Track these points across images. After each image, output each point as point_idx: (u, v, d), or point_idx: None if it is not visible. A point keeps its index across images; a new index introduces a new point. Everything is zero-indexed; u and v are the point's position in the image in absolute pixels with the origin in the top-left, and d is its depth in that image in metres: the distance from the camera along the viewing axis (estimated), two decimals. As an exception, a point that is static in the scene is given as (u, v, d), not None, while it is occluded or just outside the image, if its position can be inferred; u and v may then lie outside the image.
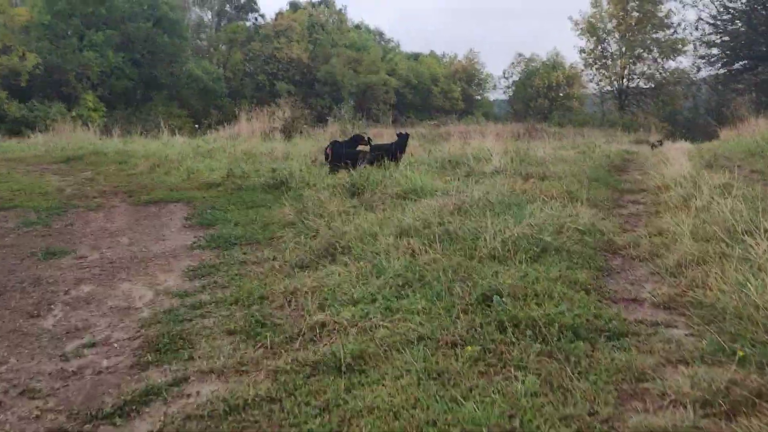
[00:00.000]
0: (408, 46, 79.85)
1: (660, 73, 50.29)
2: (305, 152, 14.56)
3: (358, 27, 64.69)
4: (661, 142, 23.37)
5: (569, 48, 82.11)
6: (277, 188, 9.87)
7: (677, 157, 13.06)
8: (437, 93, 61.50)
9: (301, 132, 21.86)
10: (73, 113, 38.34)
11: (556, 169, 10.98)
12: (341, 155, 11.66)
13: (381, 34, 71.41)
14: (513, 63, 61.57)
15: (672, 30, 49.14)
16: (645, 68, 50.69)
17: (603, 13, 50.38)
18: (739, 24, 43.95)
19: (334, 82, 53.69)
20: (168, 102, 46.06)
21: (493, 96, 69.22)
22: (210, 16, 59.90)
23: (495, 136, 21.97)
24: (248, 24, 58.60)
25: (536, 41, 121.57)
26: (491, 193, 7.94)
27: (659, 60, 49.84)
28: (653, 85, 50.96)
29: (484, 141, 17.55)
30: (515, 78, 61.27)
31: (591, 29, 50.68)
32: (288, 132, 21.24)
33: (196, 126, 29.09)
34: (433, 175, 10.32)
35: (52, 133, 23.86)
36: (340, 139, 13.82)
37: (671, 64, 50.02)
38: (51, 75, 40.44)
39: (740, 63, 44.44)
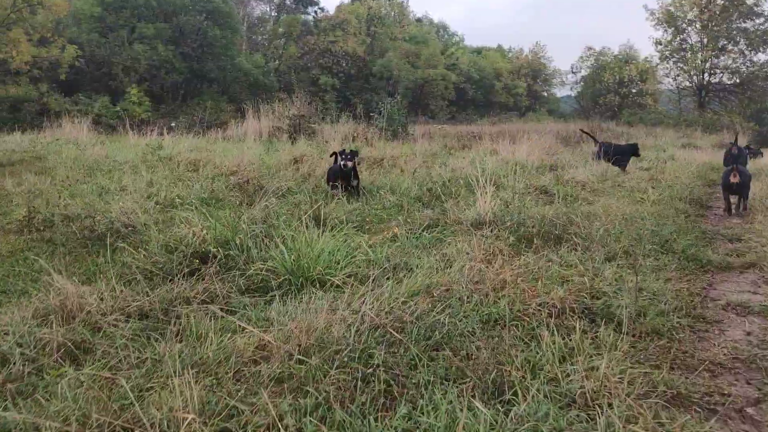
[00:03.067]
0: (473, 41, 74.70)
1: (747, 67, 43.37)
2: (270, 163, 10.56)
3: (419, 20, 60.16)
4: (754, 150, 17.72)
5: (644, 40, 74.31)
6: (100, 240, 5.63)
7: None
8: (500, 89, 56.47)
9: (310, 133, 17.84)
10: (117, 107, 36.01)
11: (590, 216, 6.47)
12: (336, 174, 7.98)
13: (445, 27, 66.71)
14: (582, 57, 55.64)
15: (762, 19, 42.11)
16: (729, 61, 43.88)
17: (683, 1, 43.84)
18: None
19: (390, 77, 49.57)
20: (217, 96, 43.25)
21: (560, 92, 63.38)
22: (269, 10, 56.87)
23: (541, 140, 17.19)
24: (308, 17, 55.18)
25: (608, 34, 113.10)
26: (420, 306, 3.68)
27: (746, 52, 42.93)
28: (738, 81, 44.05)
29: (519, 148, 13.00)
30: (584, 73, 55.31)
31: (669, 19, 44.28)
32: (294, 132, 17.29)
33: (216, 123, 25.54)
34: (372, 228, 6.08)
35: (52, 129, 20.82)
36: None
37: (760, 56, 43.02)
38: (99, 68, 38.36)
39: None
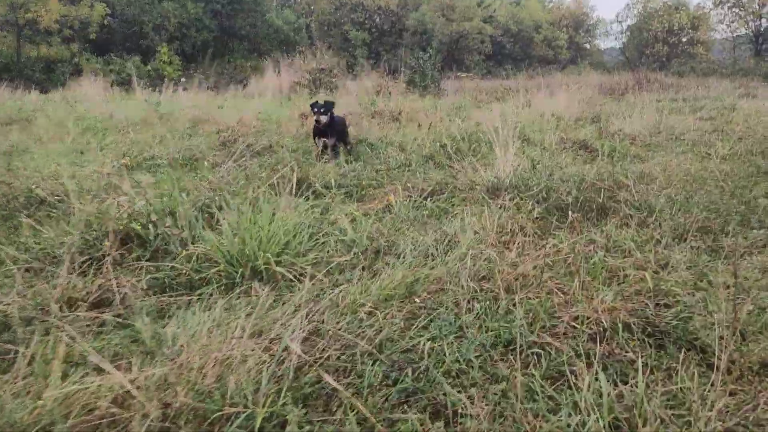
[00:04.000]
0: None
1: (810, 11, 39.63)
2: (278, 120, 9.30)
3: (455, -30, 57.09)
4: None
5: None
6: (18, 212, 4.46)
7: None
8: (539, 41, 53.49)
9: (332, 87, 16.43)
10: (149, 67, 35.24)
11: (644, 177, 5.02)
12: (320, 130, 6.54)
13: (483, -22, 63.28)
14: (628, 5, 52.12)
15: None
16: (791, 5, 40.11)
17: (741, -60, 40.11)
18: None
19: (424, 31, 47.37)
20: (248, 54, 41.99)
21: (604, 44, 59.93)
22: (301, -36, 54.79)
23: (581, 91, 15.42)
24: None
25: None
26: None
27: (810, -6, 39.15)
28: (800, 26, 40.40)
29: (556, 100, 11.39)
30: (630, 22, 51.86)
31: (725, -40, 40.65)
32: (315, 86, 15.90)
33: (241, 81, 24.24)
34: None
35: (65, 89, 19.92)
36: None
37: (825, -1, 39.19)
38: (130, 27, 37.52)
39: None
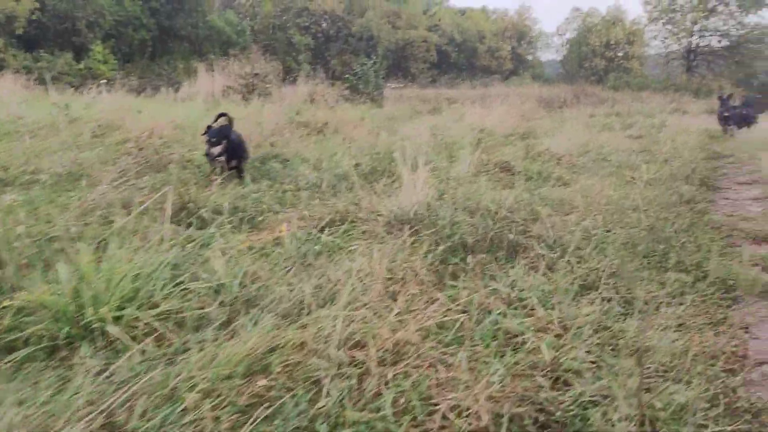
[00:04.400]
0: (459, 2, 71.30)
1: (737, 30, 41.21)
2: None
3: (402, -22, 57.05)
4: (749, 117, 15.58)
5: (632, 1, 70.31)
6: None
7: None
8: (483, 51, 54.00)
9: (267, 94, 15.76)
10: (81, 66, 33.67)
11: (563, 204, 4.68)
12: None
13: (429, -13, 63.54)
14: (568, 19, 53.15)
15: (755, -21, 39.84)
16: (720, 23, 41.63)
17: (674, -40, 41.41)
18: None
19: (370, 37, 47.06)
20: (189, 56, 40.63)
21: (545, 56, 60.92)
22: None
23: (522, 104, 15.30)
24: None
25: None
26: None
27: (737, 14, 40.72)
28: (728, 44, 41.94)
29: (491, 113, 11.10)
30: (570, 36, 52.92)
31: (659, -22, 41.88)
32: (248, 92, 15.21)
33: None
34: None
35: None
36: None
37: (752, 18, 40.84)
38: (62, 23, 35.67)
39: (838, 18, 35.22)
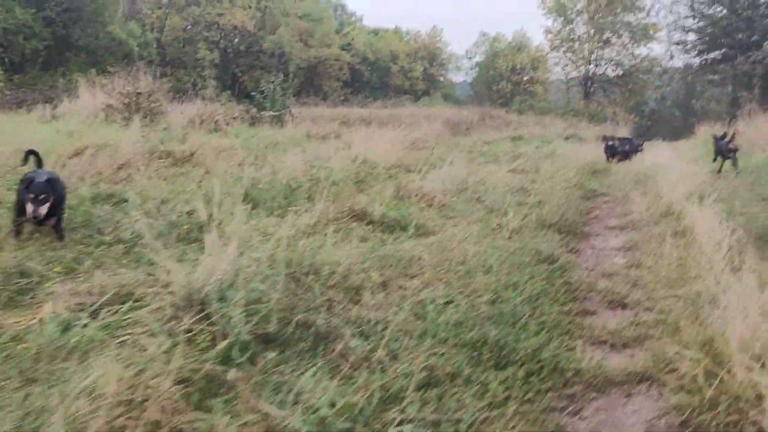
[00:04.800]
0: (372, 21, 71.46)
1: (629, 60, 43.40)
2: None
3: (315, -3, 56.55)
4: (632, 145, 16.13)
5: (536, 29, 72.96)
6: None
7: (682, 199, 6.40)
8: (396, 71, 54.23)
9: (153, 114, 14.63)
10: (-37, 76, 30.82)
11: (411, 264, 4.13)
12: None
13: (343, 6, 63.42)
14: (476, 43, 54.37)
15: (644, 13, 42.20)
16: (614, 54, 43.72)
17: (572, -8, 43.17)
18: (720, 8, 37.16)
19: (282, 54, 46.13)
20: (86, 68, 38.23)
21: (457, 78, 62.05)
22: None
23: (418, 128, 15.00)
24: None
25: (505, 20, 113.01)
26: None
27: (629, 45, 42.91)
28: (621, 73, 44.09)
29: (382, 139, 10.62)
30: (479, 59, 54.14)
31: (559, 8, 43.50)
32: (130, 112, 14.02)
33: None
34: None
35: None
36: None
37: (642, 50, 43.18)
38: (-57, 31, 32.77)
39: (717, 52, 37.75)
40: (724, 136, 11.50)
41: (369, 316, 3.15)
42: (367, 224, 5.21)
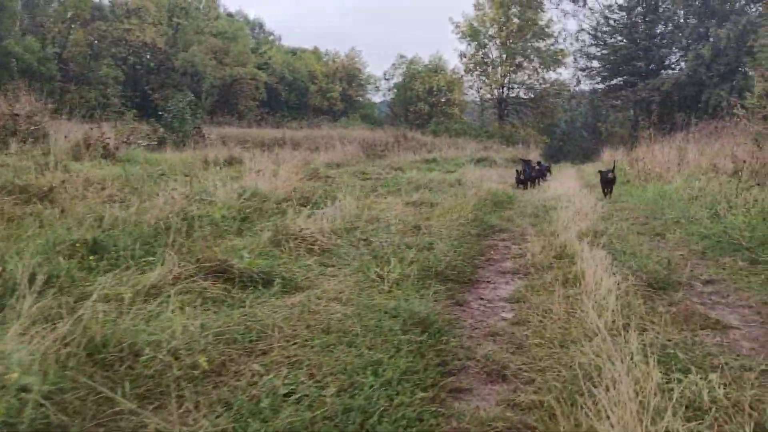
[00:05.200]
0: (293, 42, 70.76)
1: (540, 84, 44.81)
2: None
3: (231, 15, 55.36)
4: (539, 170, 16.55)
5: (452, 52, 74.35)
6: None
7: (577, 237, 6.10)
8: (314, 91, 53.72)
9: (35, 137, 13.31)
10: None
11: (253, 348, 3.52)
12: None
13: (261, 25, 62.53)
14: (394, 64, 54.75)
15: (553, 39, 43.75)
16: (525, 77, 45.04)
17: (485, 17, 44.18)
18: (620, 38, 38.98)
19: (195, 72, 44.57)
20: (-22, 83, 35.41)
21: (377, 98, 62.21)
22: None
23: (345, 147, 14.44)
24: (103, 1, 47.94)
25: (422, 43, 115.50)
26: None
27: (540, 70, 44.32)
28: (533, 96, 45.43)
29: (281, 169, 9.97)
30: (396, 80, 54.46)
31: (472, 33, 44.40)
32: (7, 135, 12.67)
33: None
34: None
35: None
36: None
37: (551, 75, 44.70)
38: None
39: (619, 78, 39.53)
40: (612, 169, 12.12)
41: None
42: (225, 281, 4.51)
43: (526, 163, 16.15)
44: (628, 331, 4.01)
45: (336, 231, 6.72)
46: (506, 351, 3.97)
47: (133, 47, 44.17)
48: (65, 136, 13.59)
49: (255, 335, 3.59)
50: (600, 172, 12.47)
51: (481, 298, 5.14)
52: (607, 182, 11.69)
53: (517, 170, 14.81)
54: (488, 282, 5.60)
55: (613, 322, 4.19)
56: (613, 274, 5.05)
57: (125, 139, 15.12)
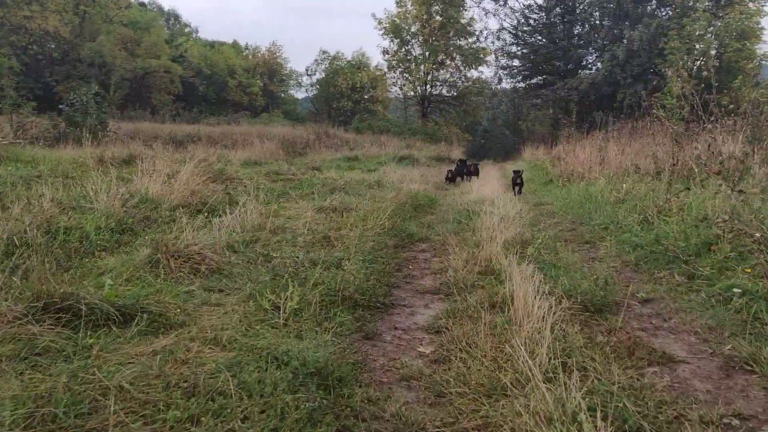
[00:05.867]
0: (211, 35, 67.94)
1: (462, 82, 44.89)
2: None
3: (143, 5, 52.41)
4: (464, 170, 16.41)
5: (375, 48, 73.16)
6: None
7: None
8: (234, 86, 51.74)
9: None
10: None
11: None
12: None
13: (177, 17, 59.60)
14: (317, 60, 53.52)
15: (474, 38, 43.88)
16: (448, 75, 45.01)
17: (407, 14, 43.75)
18: (539, 37, 39.48)
19: (103, 64, 41.73)
20: None
21: (300, 94, 60.70)
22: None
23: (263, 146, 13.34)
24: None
25: (345, 39, 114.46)
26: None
27: (462, 68, 44.38)
28: (455, 94, 45.46)
29: (181, 170, 8.88)
30: (319, 76, 53.28)
31: (395, 30, 43.89)
32: None
33: None
34: None
35: None
36: None
37: (474, 73, 44.88)
38: None
39: (539, 77, 40.04)
40: (519, 171, 13.56)
41: None
42: (70, 319, 3.51)
43: (463, 162, 18.51)
44: (567, 372, 3.35)
45: (232, 245, 5.77)
46: (423, 402, 3.21)
47: (34, 36, 40.88)
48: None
49: (86, 407, 2.64)
50: (514, 171, 13.72)
51: (396, 327, 4.36)
52: (516, 183, 13.15)
53: (448, 170, 16.75)
54: (404, 306, 4.83)
55: (549, 360, 3.51)
56: (545, 294, 4.41)
57: (16, 135, 13.40)
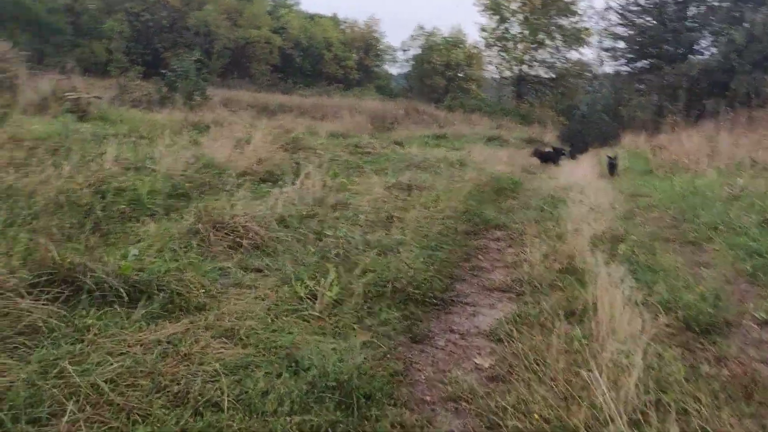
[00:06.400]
0: (311, 7, 68.23)
1: (561, 63, 42.50)
2: None
3: (249, -25, 53.13)
4: (556, 154, 15.37)
5: (473, 25, 70.94)
6: None
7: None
8: (330, 59, 51.65)
9: (5, 86, 11.92)
10: None
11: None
12: None
13: (281, -12, 60.10)
14: (413, 36, 52.46)
15: (577, 17, 41.25)
16: (546, 56, 42.70)
17: (509, -10, 41.75)
18: (649, 18, 36.52)
19: (208, 32, 42.81)
20: (-16, 34, 34.00)
21: (394, 70, 59.98)
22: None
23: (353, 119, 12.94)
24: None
25: (442, 14, 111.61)
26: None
27: (562, 48, 41.96)
28: (553, 75, 43.15)
29: (254, 136, 8.51)
30: (414, 52, 52.25)
31: (494, 7, 42.03)
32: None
33: None
34: None
35: None
36: None
37: (574, 54, 42.35)
38: None
39: (645, 61, 37.16)
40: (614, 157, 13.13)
41: None
42: (71, 295, 3.07)
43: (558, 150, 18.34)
44: (660, 413, 2.55)
45: (285, 219, 5.24)
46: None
47: (148, 3, 42.46)
48: (33, 88, 12.17)
49: (46, 411, 2.14)
50: (608, 156, 13.35)
51: (452, 330, 3.66)
52: (612, 166, 12.80)
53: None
54: (466, 303, 4.10)
55: (637, 395, 2.70)
56: (637, 304, 3.56)
57: (95, 95, 13.59)
